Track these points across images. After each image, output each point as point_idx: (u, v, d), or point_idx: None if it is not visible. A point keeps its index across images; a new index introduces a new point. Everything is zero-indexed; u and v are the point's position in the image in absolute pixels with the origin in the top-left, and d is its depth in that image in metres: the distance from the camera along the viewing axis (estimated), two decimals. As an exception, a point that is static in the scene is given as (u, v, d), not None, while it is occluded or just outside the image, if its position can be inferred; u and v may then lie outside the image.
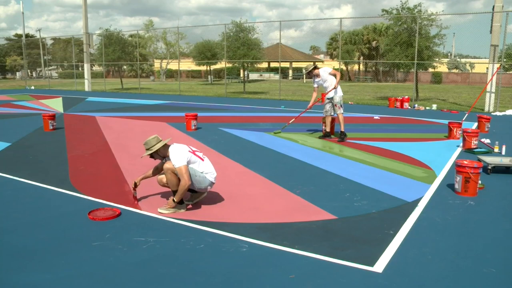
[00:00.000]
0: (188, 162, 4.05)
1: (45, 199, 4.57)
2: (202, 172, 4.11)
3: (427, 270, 2.97)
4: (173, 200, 4.07)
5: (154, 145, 4.15)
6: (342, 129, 8.12)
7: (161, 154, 4.19)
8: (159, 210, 4.08)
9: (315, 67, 8.32)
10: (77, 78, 28.97)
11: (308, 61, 42.01)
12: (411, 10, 16.66)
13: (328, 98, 8.32)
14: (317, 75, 8.27)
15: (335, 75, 8.16)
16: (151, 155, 4.21)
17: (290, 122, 9.33)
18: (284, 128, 9.18)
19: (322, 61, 47.29)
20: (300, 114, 9.95)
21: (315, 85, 8.40)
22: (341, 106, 8.21)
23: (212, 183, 4.23)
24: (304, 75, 8.69)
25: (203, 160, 4.20)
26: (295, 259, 3.12)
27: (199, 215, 4.03)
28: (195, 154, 4.16)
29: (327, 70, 8.28)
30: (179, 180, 4.01)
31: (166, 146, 4.17)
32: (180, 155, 4.03)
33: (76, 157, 6.53)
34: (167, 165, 4.06)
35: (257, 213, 4.11)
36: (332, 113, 8.36)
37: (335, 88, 8.10)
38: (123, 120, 11.25)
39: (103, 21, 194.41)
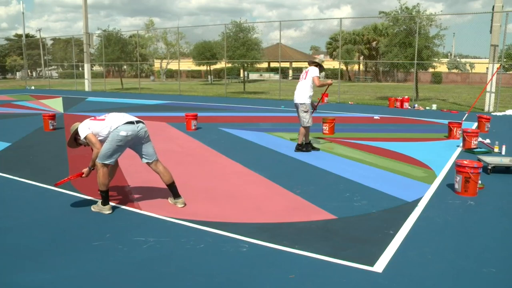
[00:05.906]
0: (93, 132, 4.09)
1: (45, 198, 4.57)
2: (110, 129, 4.04)
3: (427, 270, 2.97)
4: (88, 168, 4.22)
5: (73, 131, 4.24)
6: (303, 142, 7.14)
7: (81, 141, 4.23)
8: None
9: (320, 65, 7.39)
10: (77, 78, 28.96)
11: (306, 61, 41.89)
12: (410, 11, 16.66)
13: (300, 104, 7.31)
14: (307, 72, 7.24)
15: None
16: (71, 143, 4.33)
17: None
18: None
19: (323, 61, 47.24)
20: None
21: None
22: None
23: (129, 125, 4.17)
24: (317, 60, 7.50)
25: (104, 119, 4.17)
26: (295, 259, 3.12)
27: (199, 215, 4.03)
28: (96, 120, 4.19)
29: (313, 73, 7.18)
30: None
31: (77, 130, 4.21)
32: (82, 128, 4.12)
33: (76, 157, 6.53)
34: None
35: (257, 213, 4.11)
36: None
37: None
38: (123, 120, 11.22)
39: (103, 22, 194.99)
